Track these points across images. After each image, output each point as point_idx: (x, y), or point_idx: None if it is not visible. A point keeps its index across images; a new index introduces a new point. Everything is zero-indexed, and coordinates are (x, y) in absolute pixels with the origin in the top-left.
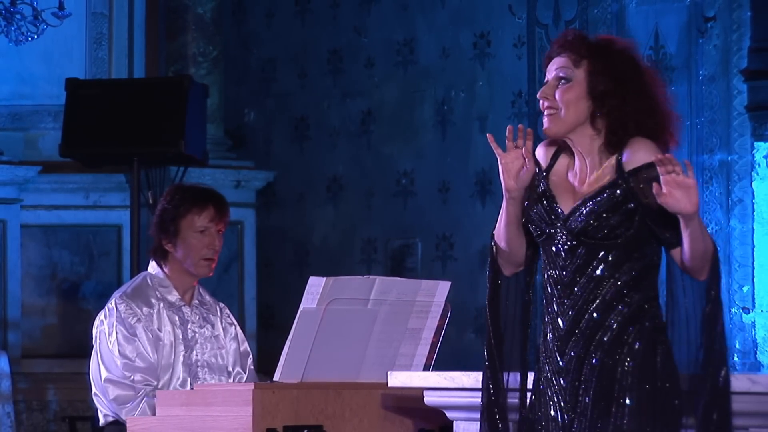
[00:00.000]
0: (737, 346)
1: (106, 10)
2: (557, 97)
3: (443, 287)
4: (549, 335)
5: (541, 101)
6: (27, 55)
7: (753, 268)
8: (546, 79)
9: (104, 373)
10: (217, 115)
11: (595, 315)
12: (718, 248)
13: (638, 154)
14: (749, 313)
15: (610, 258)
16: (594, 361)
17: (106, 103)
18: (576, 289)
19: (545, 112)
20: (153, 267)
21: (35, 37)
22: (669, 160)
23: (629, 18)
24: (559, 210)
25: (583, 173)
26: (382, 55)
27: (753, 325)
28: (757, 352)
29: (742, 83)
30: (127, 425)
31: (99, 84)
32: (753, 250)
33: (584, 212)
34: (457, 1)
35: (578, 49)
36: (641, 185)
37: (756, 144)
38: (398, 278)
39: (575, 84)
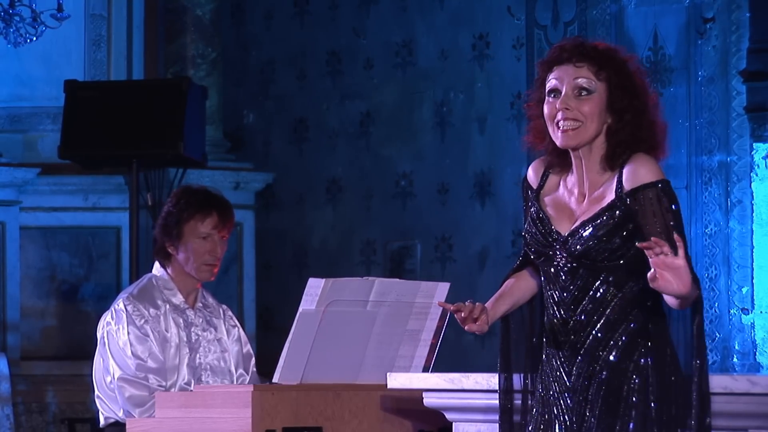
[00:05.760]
0: (736, 347)
1: (104, 12)
2: (581, 109)
3: (442, 288)
4: (553, 355)
5: (558, 112)
6: (26, 57)
7: (752, 269)
8: (552, 86)
9: (117, 372)
10: (216, 116)
11: (599, 334)
12: (717, 249)
13: (638, 173)
14: (748, 314)
15: (612, 278)
16: (600, 379)
17: (105, 104)
18: (579, 309)
19: (566, 124)
20: (157, 269)
21: (34, 39)
22: (656, 243)
23: (628, 19)
24: (556, 232)
25: (582, 189)
26: (381, 56)
27: (752, 326)
28: (757, 353)
29: (741, 84)
30: (127, 426)
31: (98, 86)
32: (752, 251)
33: (584, 235)
34: (456, 2)
35: (598, 61)
36: (637, 206)
37: (755, 145)
38: (397, 280)
39: (597, 96)
